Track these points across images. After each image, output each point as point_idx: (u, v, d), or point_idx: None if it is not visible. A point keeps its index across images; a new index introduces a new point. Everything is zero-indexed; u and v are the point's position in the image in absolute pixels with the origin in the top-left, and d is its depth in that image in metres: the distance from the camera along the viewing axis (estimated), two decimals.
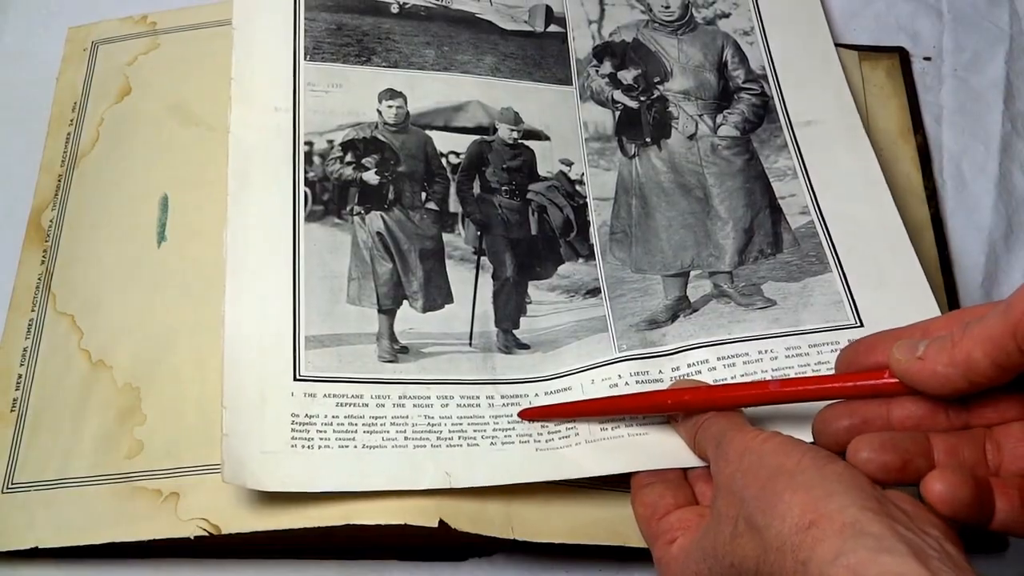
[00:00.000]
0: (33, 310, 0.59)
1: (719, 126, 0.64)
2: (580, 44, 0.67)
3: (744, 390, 0.49)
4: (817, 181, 0.61)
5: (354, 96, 0.61)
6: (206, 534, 0.50)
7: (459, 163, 0.61)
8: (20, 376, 0.57)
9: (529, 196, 0.61)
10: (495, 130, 0.62)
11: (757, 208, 0.61)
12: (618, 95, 0.65)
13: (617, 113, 0.64)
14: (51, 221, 0.62)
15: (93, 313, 0.58)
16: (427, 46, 0.64)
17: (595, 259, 0.59)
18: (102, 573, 0.53)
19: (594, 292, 0.58)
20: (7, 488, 0.53)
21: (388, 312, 0.56)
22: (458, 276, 0.58)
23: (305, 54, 0.62)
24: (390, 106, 0.61)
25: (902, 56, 0.72)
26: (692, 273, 0.59)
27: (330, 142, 0.59)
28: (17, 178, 0.65)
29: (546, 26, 0.67)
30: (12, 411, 0.55)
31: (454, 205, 0.60)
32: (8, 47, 0.71)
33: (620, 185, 0.62)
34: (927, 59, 0.73)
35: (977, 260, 0.65)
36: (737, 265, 0.59)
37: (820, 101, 0.64)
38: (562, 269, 0.59)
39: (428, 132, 0.61)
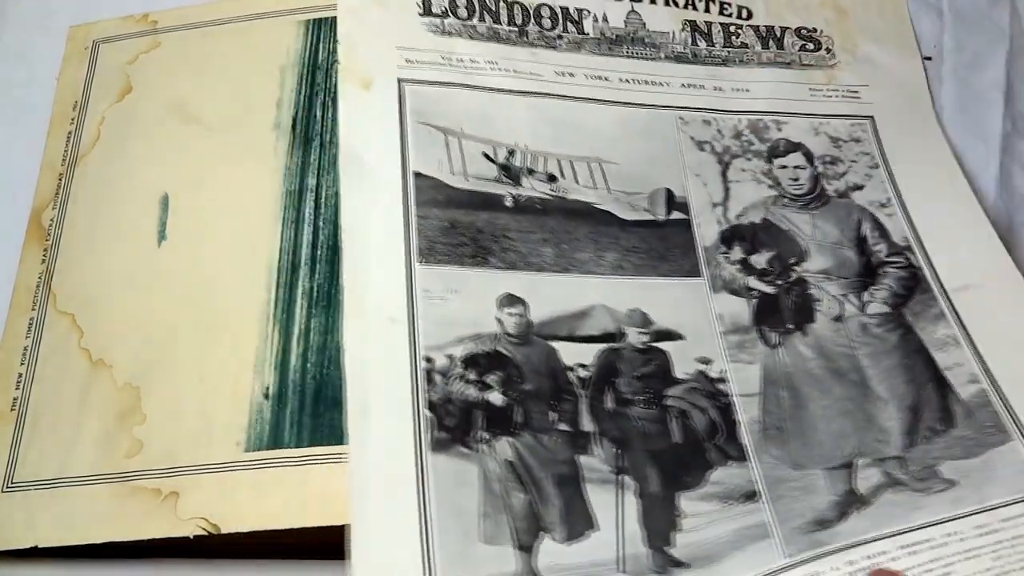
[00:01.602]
0: (33, 309, 0.59)
1: (867, 303, 0.60)
2: (706, 231, 0.62)
3: None
4: (984, 347, 0.58)
5: (472, 303, 0.56)
6: (206, 533, 0.50)
7: (588, 376, 0.56)
8: (20, 375, 0.57)
9: (667, 402, 0.56)
10: (623, 335, 0.58)
11: (920, 383, 0.58)
12: (752, 281, 0.61)
13: (753, 301, 0.60)
14: (52, 220, 0.62)
15: (93, 312, 0.58)
16: (545, 243, 0.59)
17: (748, 460, 0.55)
18: (102, 573, 0.53)
19: (751, 496, 0.54)
20: (7, 487, 0.53)
21: (527, 548, 0.50)
22: (599, 500, 0.52)
23: (419, 256, 0.57)
24: (511, 314, 0.56)
25: None
26: (858, 462, 0.55)
27: (450, 357, 0.54)
28: (18, 177, 0.65)
29: (668, 213, 0.62)
30: (12, 410, 0.55)
31: (586, 423, 0.55)
32: (8, 47, 0.71)
33: (766, 378, 0.58)
34: (927, 59, 0.73)
35: None
36: (907, 447, 0.55)
37: (974, 264, 0.61)
38: (713, 476, 0.54)
39: (552, 343, 0.56)
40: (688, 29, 0.69)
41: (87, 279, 0.59)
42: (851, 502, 0.54)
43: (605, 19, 0.69)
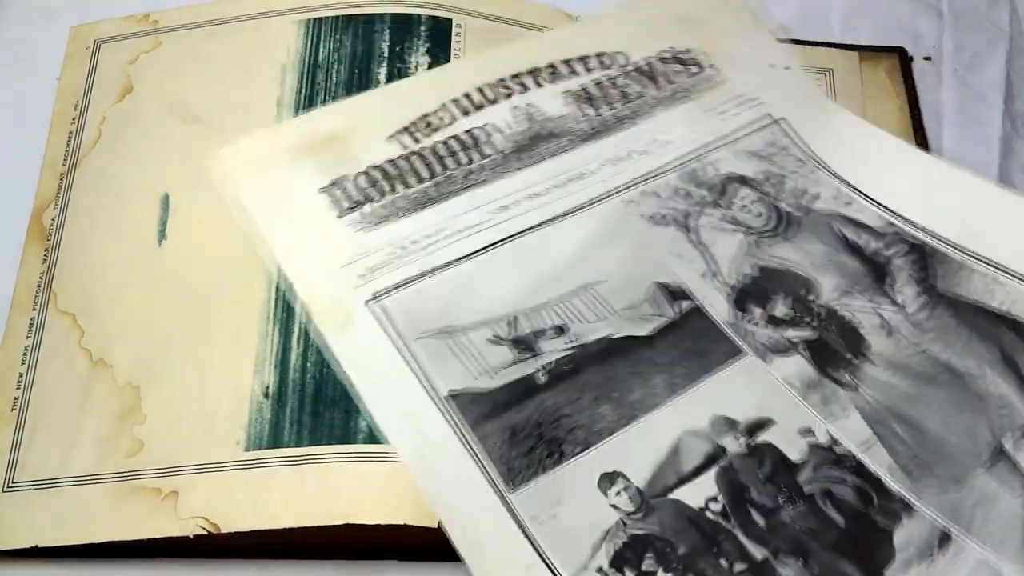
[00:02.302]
0: (34, 309, 0.59)
1: (903, 305, 0.59)
2: (717, 307, 0.59)
3: None
4: (1017, 266, 0.58)
5: (580, 507, 0.52)
6: (206, 533, 0.51)
7: (723, 507, 0.53)
8: (21, 375, 0.57)
9: (807, 490, 0.53)
10: (723, 448, 0.54)
11: (994, 337, 0.57)
12: (789, 333, 0.58)
13: (804, 352, 0.58)
14: (53, 220, 0.62)
15: (94, 312, 0.58)
16: (597, 403, 0.55)
17: (913, 506, 0.52)
18: (102, 572, 0.53)
19: (947, 538, 0.51)
20: (7, 487, 0.53)
21: None
22: None
23: (506, 485, 0.52)
24: (619, 494, 0.52)
25: (902, 56, 0.72)
26: (1005, 445, 0.53)
27: (600, 571, 0.50)
28: (19, 177, 0.64)
29: (674, 307, 0.59)
30: (13, 410, 0.55)
31: (755, 551, 0.51)
32: (8, 47, 0.71)
33: (869, 420, 0.55)
34: (927, 59, 0.73)
35: None
36: None
37: (958, 204, 0.62)
38: (897, 539, 0.51)
39: (672, 500, 0.53)
40: (571, 100, 0.65)
41: (88, 279, 0.59)
42: None
43: (509, 126, 0.64)
